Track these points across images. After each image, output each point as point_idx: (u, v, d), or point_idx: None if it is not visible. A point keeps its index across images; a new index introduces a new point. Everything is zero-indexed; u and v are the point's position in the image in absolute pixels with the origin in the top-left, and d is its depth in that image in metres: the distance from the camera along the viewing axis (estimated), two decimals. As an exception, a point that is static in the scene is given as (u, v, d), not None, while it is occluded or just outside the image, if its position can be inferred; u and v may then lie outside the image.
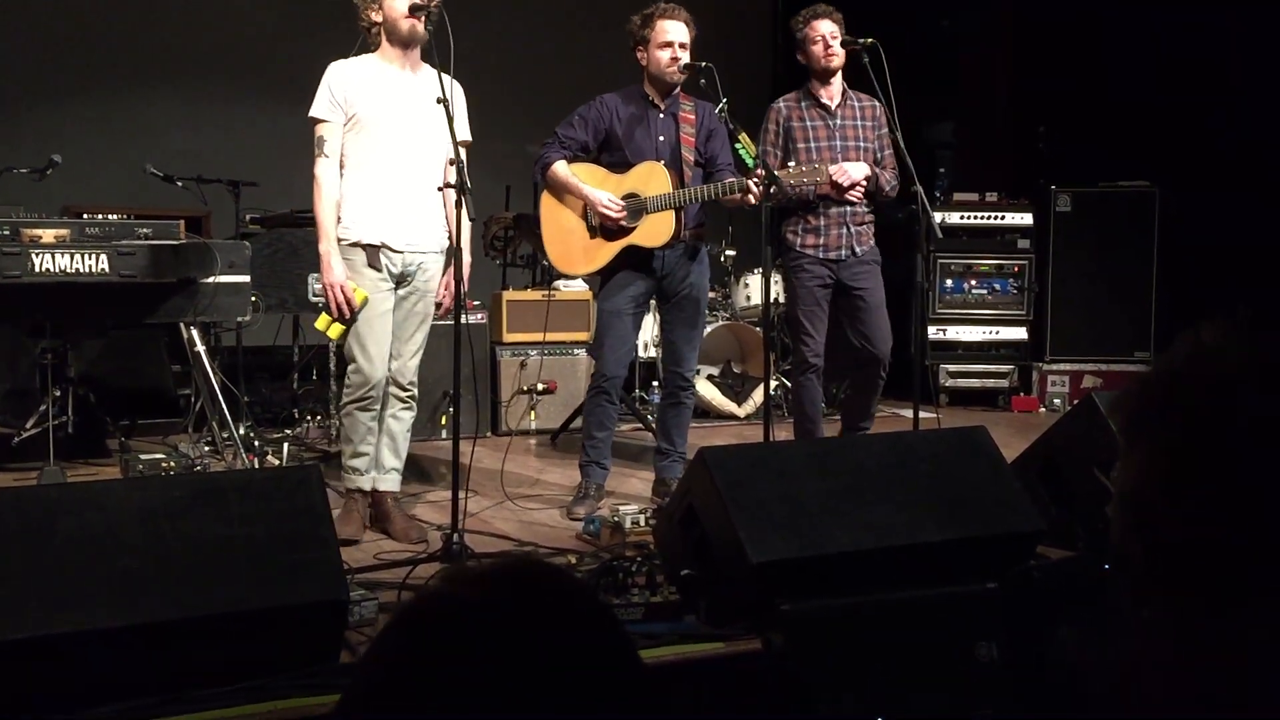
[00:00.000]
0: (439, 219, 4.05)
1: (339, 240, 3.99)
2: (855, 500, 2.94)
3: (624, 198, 4.43)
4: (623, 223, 4.41)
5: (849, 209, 4.65)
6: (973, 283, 7.35)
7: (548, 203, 4.57)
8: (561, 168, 4.47)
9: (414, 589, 3.28)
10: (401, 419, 4.18)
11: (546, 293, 6.48)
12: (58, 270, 4.46)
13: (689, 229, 4.49)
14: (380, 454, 4.13)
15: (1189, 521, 0.97)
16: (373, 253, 4.00)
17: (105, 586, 2.33)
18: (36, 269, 4.43)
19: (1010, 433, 5.76)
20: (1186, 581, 0.98)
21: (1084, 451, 3.58)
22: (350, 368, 4.06)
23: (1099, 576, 2.73)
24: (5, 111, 7.01)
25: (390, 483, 4.18)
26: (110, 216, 4.87)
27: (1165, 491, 0.99)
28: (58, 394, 5.07)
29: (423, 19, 3.89)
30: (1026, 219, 7.33)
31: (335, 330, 4.01)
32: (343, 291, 3.93)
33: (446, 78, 3.73)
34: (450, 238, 3.95)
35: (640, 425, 6.36)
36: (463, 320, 3.75)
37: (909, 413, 4.58)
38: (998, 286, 7.35)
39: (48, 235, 4.52)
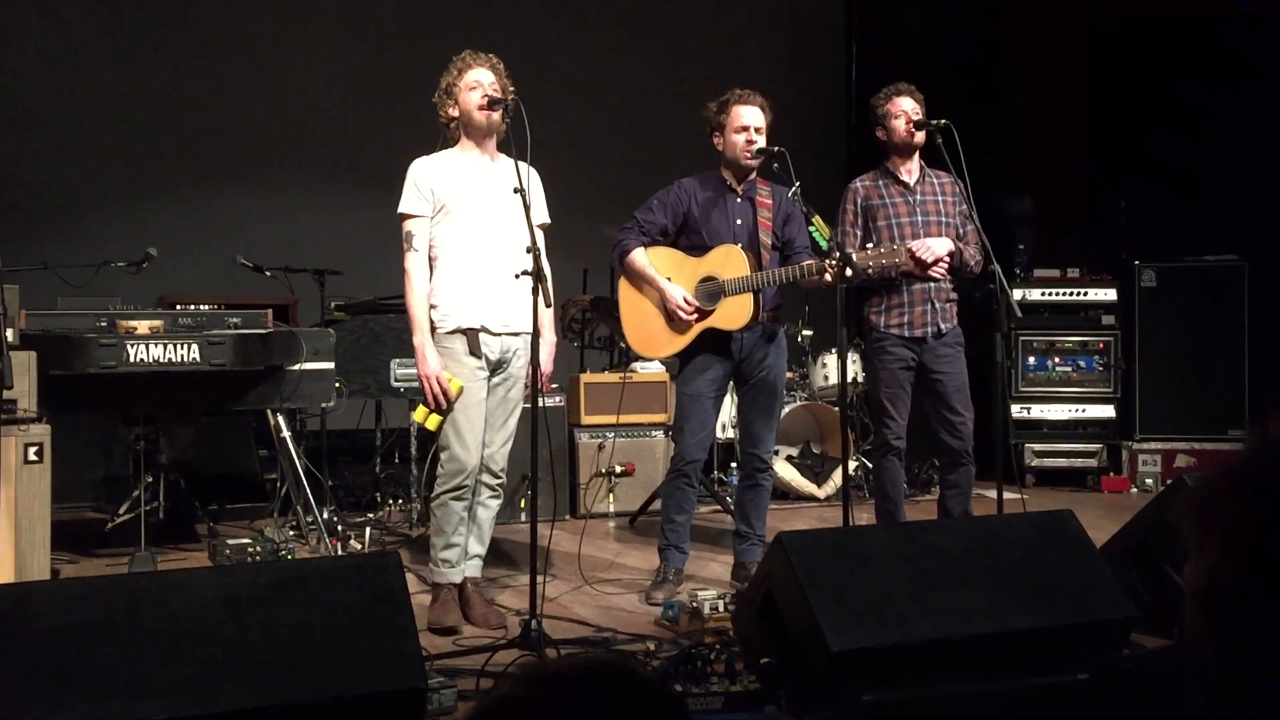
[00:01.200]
0: (527, 303, 4.10)
1: (436, 330, 4.04)
2: (938, 587, 2.88)
3: (702, 280, 4.46)
4: (700, 306, 4.43)
5: (933, 286, 4.59)
6: (1057, 360, 7.23)
7: (626, 289, 4.62)
8: (639, 257, 4.52)
9: (493, 676, 3.27)
10: (489, 507, 4.19)
11: (624, 375, 6.51)
12: (151, 360, 4.60)
13: (766, 311, 4.50)
14: (466, 541, 4.15)
15: (1261, 619, 0.94)
16: (473, 339, 4.03)
17: (189, 675, 2.36)
18: (132, 359, 4.57)
19: (1100, 514, 5.61)
20: (1261, 682, 0.94)
21: (1178, 534, 3.46)
22: (444, 456, 4.06)
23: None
24: (105, 208, 7.32)
25: (473, 569, 4.19)
26: (202, 307, 5.03)
27: (1236, 587, 0.96)
28: (150, 480, 5.19)
29: (500, 111, 4.00)
30: (1110, 295, 7.22)
31: (433, 421, 4.03)
32: (439, 383, 3.98)
33: (524, 165, 3.81)
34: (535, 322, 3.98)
35: (719, 507, 6.31)
36: (541, 403, 3.77)
37: (993, 493, 4.49)
38: (1083, 363, 7.21)
39: (142, 326, 4.68)
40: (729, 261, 4.43)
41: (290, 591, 2.54)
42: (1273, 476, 0.97)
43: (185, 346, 4.65)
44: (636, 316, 4.60)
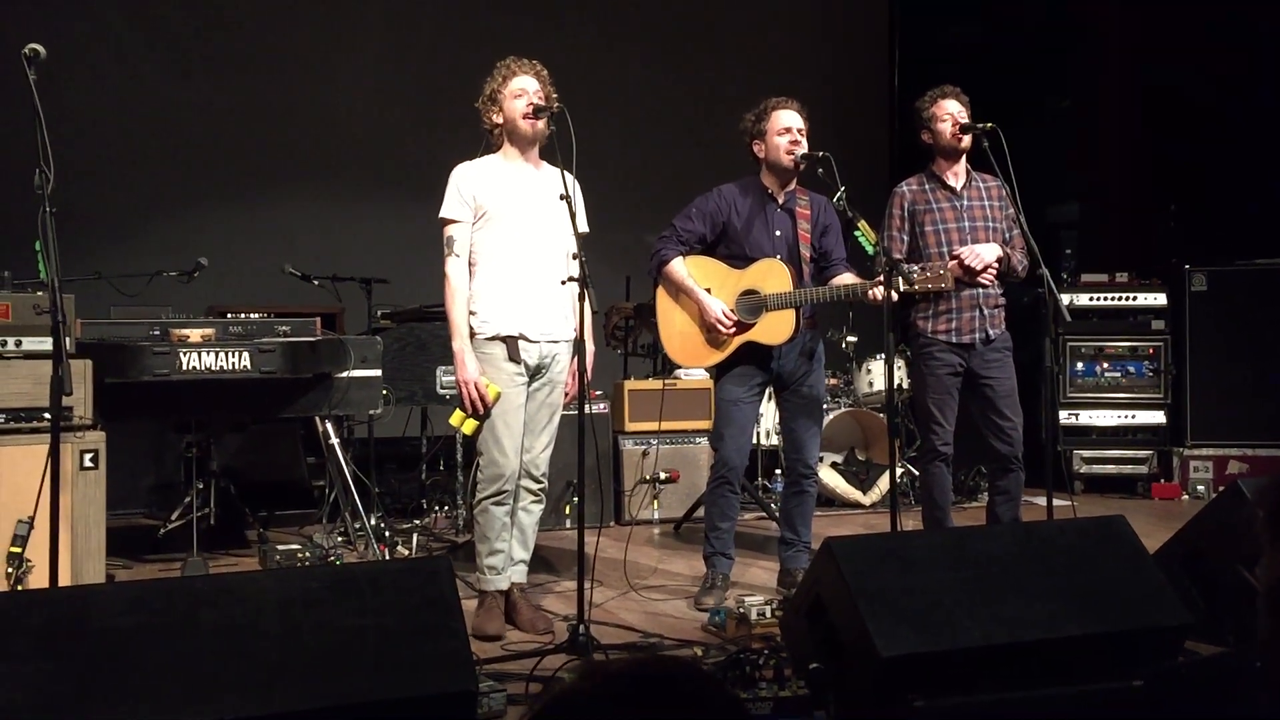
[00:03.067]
0: (568, 310, 4.13)
1: (476, 335, 4.06)
2: (988, 593, 2.86)
3: (743, 294, 4.45)
4: (741, 319, 4.43)
5: (981, 292, 4.57)
6: (1105, 365, 7.15)
7: (664, 298, 4.62)
8: (678, 266, 4.52)
9: (541, 680, 3.29)
10: (532, 512, 4.21)
11: (667, 382, 6.52)
12: (203, 368, 4.67)
13: (804, 319, 4.49)
14: (510, 546, 4.17)
15: None
16: (512, 345, 4.05)
17: (244, 676, 2.39)
18: (184, 367, 4.65)
19: (1151, 521, 5.55)
20: None
21: (1231, 541, 3.42)
22: (482, 461, 4.08)
23: (1253, 673, 2.59)
24: (156, 219, 7.43)
25: (518, 574, 4.21)
26: (252, 316, 5.09)
27: None
28: (201, 487, 5.27)
29: (545, 119, 4.02)
30: (1160, 299, 7.13)
31: (469, 426, 4.05)
32: (476, 388, 4.00)
33: (568, 174, 3.84)
34: (576, 329, 4.01)
35: (764, 514, 6.30)
36: (587, 410, 3.78)
37: (1042, 500, 4.44)
38: (1132, 369, 7.13)
39: (194, 335, 4.75)
40: (771, 275, 4.42)
41: (343, 595, 2.57)
42: None
43: (236, 354, 4.72)
44: (674, 327, 4.59)
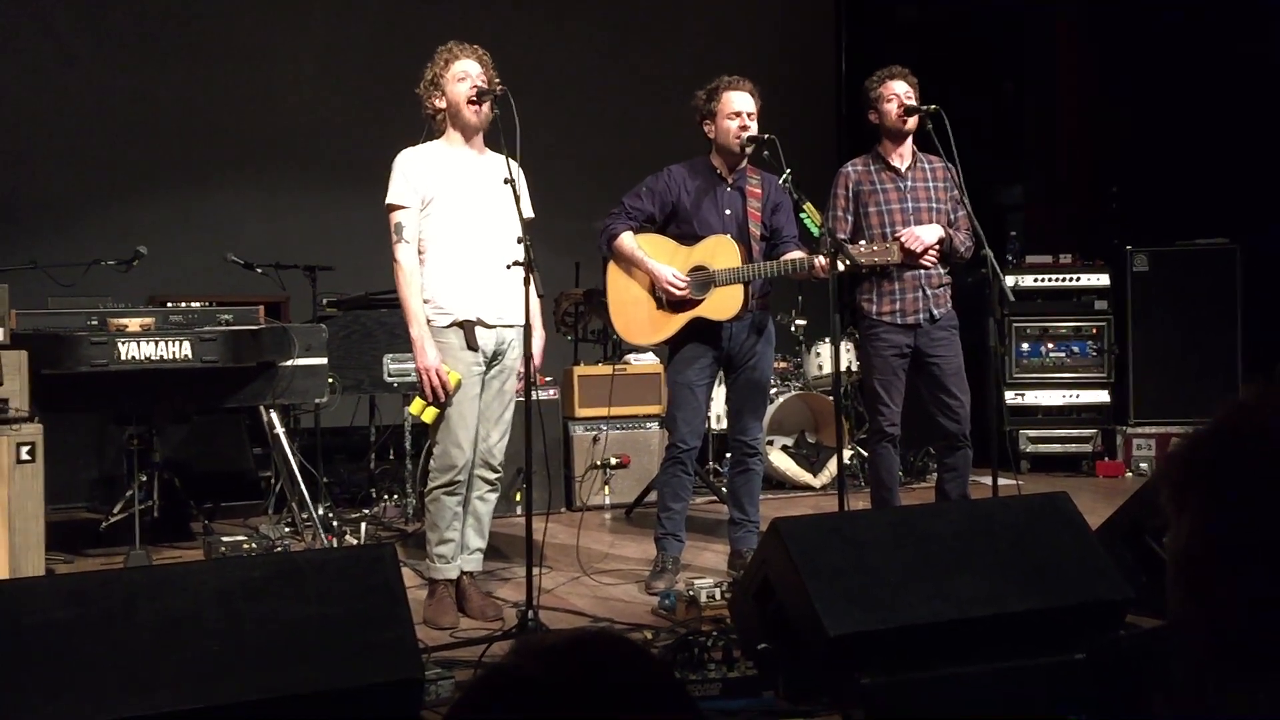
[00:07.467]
0: (519, 294, 4.08)
1: (431, 324, 4.00)
2: (934, 570, 2.88)
3: (692, 270, 4.45)
4: (690, 295, 4.43)
5: (924, 272, 4.60)
6: (1050, 345, 7.24)
7: (614, 273, 4.60)
8: (628, 239, 4.51)
9: (490, 667, 3.27)
10: (488, 500, 4.19)
11: (617, 367, 6.51)
12: (143, 358, 4.58)
13: (755, 299, 4.50)
14: (465, 535, 4.13)
15: (1242, 584, 0.93)
16: (469, 332, 4.01)
17: (186, 668, 2.35)
18: (123, 357, 4.55)
19: (1096, 498, 5.63)
20: (1259, 654, 0.93)
21: (1158, 506, 3.47)
22: (437, 451, 4.05)
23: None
24: (94, 206, 7.29)
25: (473, 563, 4.19)
26: (193, 304, 5.01)
27: (1216, 554, 0.95)
28: (144, 479, 5.17)
29: (489, 102, 3.98)
30: (1103, 280, 7.22)
31: (430, 414, 4.00)
32: (438, 375, 3.96)
33: (511, 159, 3.80)
34: (525, 314, 3.97)
35: (715, 498, 6.31)
36: (535, 396, 3.76)
37: (988, 480, 4.49)
38: (1076, 349, 7.22)
39: (133, 324, 4.66)
40: (719, 252, 4.42)
41: (286, 584, 2.53)
42: (1245, 441, 0.97)
43: (177, 343, 4.63)
44: (624, 303, 4.58)
